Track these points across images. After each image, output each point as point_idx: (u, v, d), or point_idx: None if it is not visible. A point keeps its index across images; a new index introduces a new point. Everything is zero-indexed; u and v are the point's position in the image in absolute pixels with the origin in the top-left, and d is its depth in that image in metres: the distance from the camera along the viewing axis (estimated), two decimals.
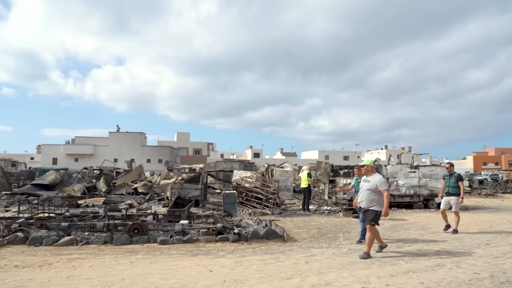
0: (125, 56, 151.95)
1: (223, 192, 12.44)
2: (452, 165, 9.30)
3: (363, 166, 6.79)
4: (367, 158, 7.11)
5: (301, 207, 13.39)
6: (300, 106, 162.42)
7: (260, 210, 12.21)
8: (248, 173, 16.11)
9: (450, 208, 9.05)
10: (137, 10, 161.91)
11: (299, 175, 28.67)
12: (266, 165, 20.59)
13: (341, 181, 13.76)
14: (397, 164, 15.45)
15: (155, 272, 5.29)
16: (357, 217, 11.27)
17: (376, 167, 7.27)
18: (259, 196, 12.82)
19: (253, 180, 14.17)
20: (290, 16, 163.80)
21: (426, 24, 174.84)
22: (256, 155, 74.55)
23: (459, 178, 8.93)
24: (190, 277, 5.08)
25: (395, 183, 14.09)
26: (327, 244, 7.57)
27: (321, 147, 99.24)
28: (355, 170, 7.89)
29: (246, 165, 22.87)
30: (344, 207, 12.08)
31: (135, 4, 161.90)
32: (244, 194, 13.10)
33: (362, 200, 6.54)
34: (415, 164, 14.87)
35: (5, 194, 16.14)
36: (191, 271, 5.40)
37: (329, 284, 4.81)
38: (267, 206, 12.37)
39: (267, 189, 12.91)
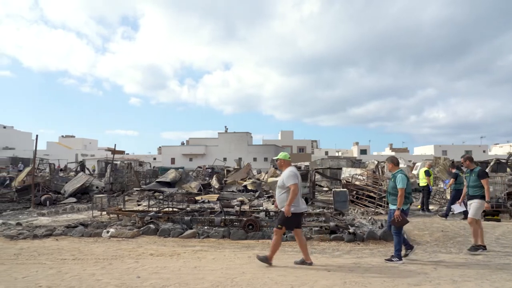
0: (232, 61, 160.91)
1: (333, 190, 12.11)
2: (469, 158, 6.89)
3: (277, 160, 5.81)
4: (282, 152, 5.85)
5: (419, 207, 12.29)
6: (410, 98, 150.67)
7: (373, 209, 11.55)
8: (358, 171, 15.44)
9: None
10: (244, 18, 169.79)
11: (413, 172, 26.53)
12: (376, 162, 19.49)
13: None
14: None
15: (273, 268, 5.34)
16: (490, 219, 9.86)
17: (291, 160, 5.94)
18: (371, 194, 12.15)
19: (364, 178, 13.51)
20: (397, 4, 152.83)
21: None
22: (363, 151, 71.50)
23: (481, 174, 6.58)
24: (308, 275, 4.99)
25: None
26: (457, 250, 6.74)
27: (436, 141, 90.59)
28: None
29: (354, 162, 21.99)
30: None
31: (241, 12, 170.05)
32: (355, 192, 12.56)
33: (276, 199, 5.67)
34: None
35: (136, 190, 18.37)
36: (308, 269, 5.31)
37: None
38: (381, 205, 11.63)
39: (379, 187, 12.16)
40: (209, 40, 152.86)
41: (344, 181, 13.84)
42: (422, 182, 12.10)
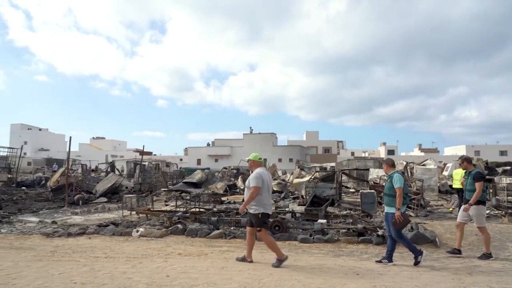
0: (257, 62, 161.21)
1: (360, 191, 11.91)
2: (466, 159, 6.58)
3: (248, 160, 5.97)
4: (253, 153, 5.69)
5: (451, 209, 11.86)
6: (440, 97, 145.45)
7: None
8: None
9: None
10: (269, 18, 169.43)
11: (443, 173, 25.67)
12: (405, 163, 19.00)
13: (502, 180, 11.69)
14: None
15: (300, 270, 5.31)
16: None
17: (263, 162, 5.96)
18: None
19: None
20: (427, 0, 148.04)
21: None
22: (390, 152, 69.86)
23: (476, 177, 6.21)
24: (336, 278, 4.93)
25: None
26: (493, 255, 6.45)
27: (468, 141, 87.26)
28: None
29: (382, 163, 21.52)
30: (510, 211, 10.20)
31: (267, 13, 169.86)
32: (383, 193, 12.27)
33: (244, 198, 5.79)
34: None
35: (164, 190, 18.74)
36: (336, 272, 5.24)
37: None
38: (410, 208, 11.33)
39: (409, 188, 11.84)
40: (235, 42, 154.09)
41: (372, 182, 13.57)
42: (458, 183, 11.51)
